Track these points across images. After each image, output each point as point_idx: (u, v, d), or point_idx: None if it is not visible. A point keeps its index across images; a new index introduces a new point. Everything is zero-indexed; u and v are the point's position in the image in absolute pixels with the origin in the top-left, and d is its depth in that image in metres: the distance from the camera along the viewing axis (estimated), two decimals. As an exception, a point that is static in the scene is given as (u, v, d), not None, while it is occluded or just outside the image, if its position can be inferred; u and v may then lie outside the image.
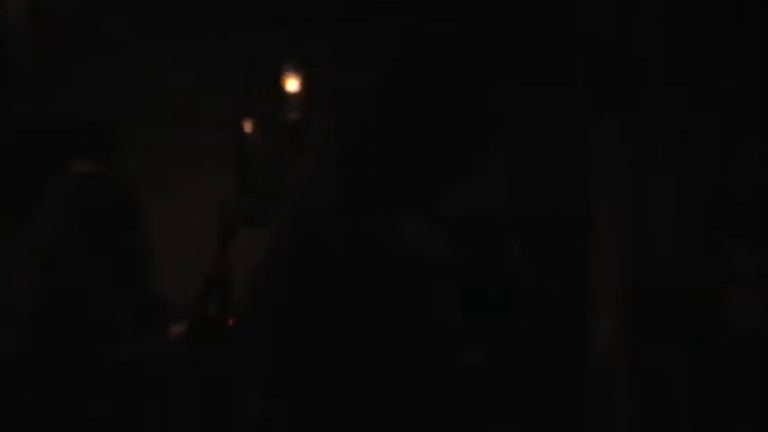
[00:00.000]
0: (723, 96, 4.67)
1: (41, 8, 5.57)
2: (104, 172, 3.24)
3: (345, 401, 2.70)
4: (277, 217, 3.10)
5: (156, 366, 3.16)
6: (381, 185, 2.82)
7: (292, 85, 5.89)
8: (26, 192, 3.25)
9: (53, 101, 5.48)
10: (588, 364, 4.10)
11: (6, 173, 5.00)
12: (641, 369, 4.27)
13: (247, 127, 5.69)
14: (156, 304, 3.38)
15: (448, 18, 3.49)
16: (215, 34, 5.87)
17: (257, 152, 5.44)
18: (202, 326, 3.53)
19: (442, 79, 3.06)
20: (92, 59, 5.73)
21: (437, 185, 2.96)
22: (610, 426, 4.17)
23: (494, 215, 3.83)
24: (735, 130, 4.69)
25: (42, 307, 3.06)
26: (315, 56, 5.71)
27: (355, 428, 2.71)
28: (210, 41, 5.86)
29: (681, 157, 4.75)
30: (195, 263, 3.87)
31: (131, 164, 4.17)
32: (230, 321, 3.59)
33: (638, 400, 4.21)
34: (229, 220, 3.86)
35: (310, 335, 2.69)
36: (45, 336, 3.04)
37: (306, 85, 5.86)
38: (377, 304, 2.69)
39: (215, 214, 4.23)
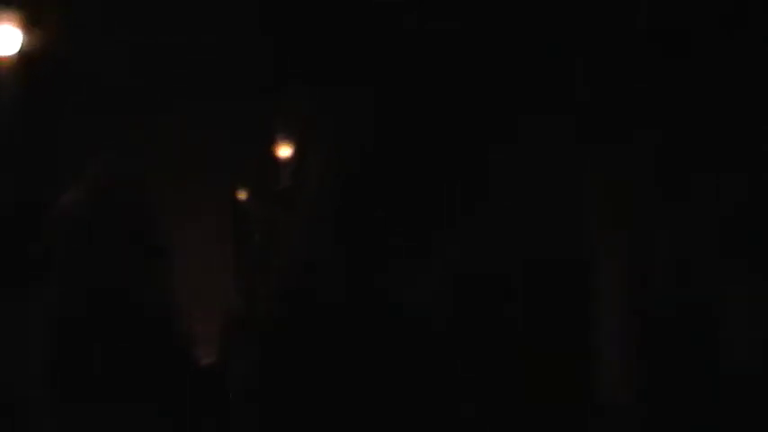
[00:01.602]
0: (721, 128, 4.72)
1: (30, 84, 5.62)
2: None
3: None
4: (274, 276, 3.11)
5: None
6: (377, 239, 2.83)
7: (285, 152, 5.92)
8: (23, 261, 3.25)
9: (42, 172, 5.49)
10: (595, 402, 4.10)
11: (6, 244, 5.00)
12: (646, 403, 4.28)
13: (242, 195, 5.72)
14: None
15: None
16: (208, 103, 5.91)
17: (254, 220, 5.45)
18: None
19: (433, 138, 3.09)
20: (88, 125, 5.77)
21: (433, 237, 2.97)
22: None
23: (494, 265, 3.84)
24: (733, 158, 4.73)
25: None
26: (308, 123, 5.73)
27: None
28: (205, 110, 5.91)
29: (677, 188, 4.78)
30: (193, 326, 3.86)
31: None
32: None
33: (641, 428, 4.22)
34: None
35: (308, 387, 2.70)
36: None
37: (299, 152, 5.88)
38: (374, 358, 2.69)
39: (212, 282, 4.22)
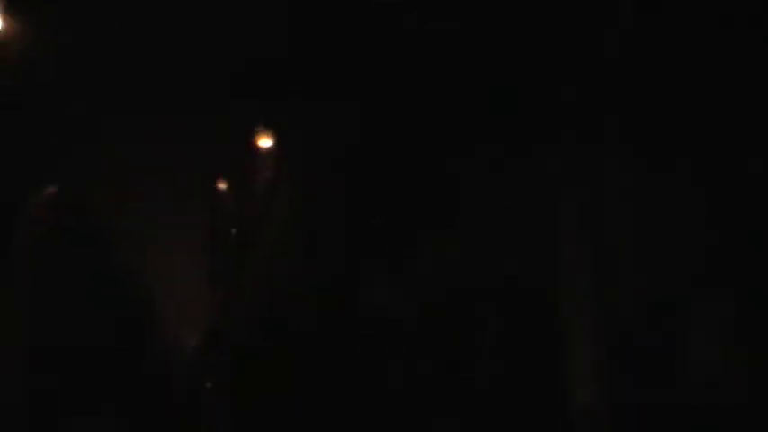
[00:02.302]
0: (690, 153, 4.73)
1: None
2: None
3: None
4: (248, 278, 3.10)
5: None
6: (353, 253, 2.83)
7: (265, 143, 5.88)
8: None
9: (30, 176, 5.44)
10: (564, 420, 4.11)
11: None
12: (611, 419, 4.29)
13: (221, 186, 5.68)
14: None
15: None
16: (190, 95, 5.88)
17: (231, 212, 5.42)
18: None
19: (409, 156, 3.07)
20: (63, 119, 5.74)
21: (408, 251, 2.97)
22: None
23: (469, 284, 3.84)
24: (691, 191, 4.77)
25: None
26: (288, 114, 5.71)
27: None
28: (185, 101, 5.88)
29: (643, 212, 4.80)
30: (170, 325, 3.84)
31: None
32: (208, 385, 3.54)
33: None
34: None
35: (275, 401, 2.69)
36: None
37: (279, 143, 5.85)
38: (343, 370, 2.69)
39: (188, 273, 4.19)
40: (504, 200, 4.41)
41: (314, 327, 2.75)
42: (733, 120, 4.70)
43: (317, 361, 2.73)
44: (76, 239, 3.18)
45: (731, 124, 4.69)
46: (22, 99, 5.66)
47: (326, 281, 2.80)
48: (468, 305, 3.74)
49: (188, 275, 4.50)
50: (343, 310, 2.74)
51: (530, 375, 4.04)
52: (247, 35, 5.58)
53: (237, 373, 2.87)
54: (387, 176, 3.02)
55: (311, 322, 2.76)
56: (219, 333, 3.13)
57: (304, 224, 2.96)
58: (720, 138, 4.68)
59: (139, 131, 5.89)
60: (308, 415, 2.74)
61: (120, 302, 3.24)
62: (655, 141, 4.68)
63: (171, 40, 5.69)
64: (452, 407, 3.05)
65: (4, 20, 5.52)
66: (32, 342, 3.02)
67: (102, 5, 5.56)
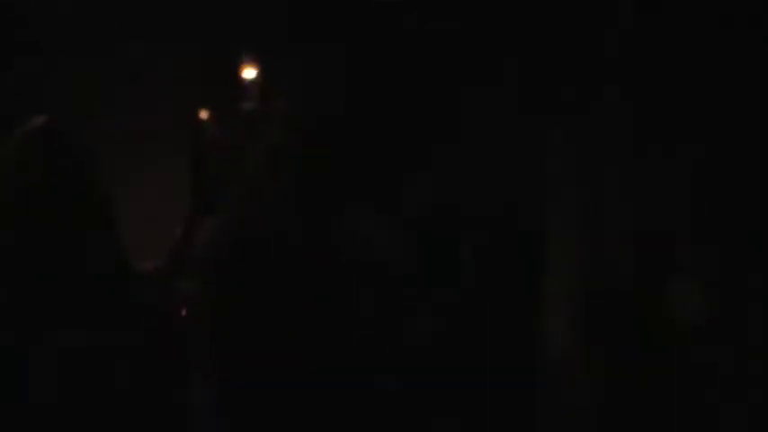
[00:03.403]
0: (664, 98, 4.73)
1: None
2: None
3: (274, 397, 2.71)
4: (229, 208, 3.09)
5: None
6: (339, 184, 2.82)
7: (250, 73, 5.85)
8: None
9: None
10: (541, 367, 4.14)
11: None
12: (595, 369, 4.31)
13: (203, 116, 5.64)
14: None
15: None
16: (172, 22, 5.85)
17: (214, 142, 5.40)
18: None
19: (405, 78, 3.06)
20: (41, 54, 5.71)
21: (394, 185, 2.96)
22: (562, 425, 4.20)
23: (452, 221, 3.85)
24: (674, 130, 4.76)
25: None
26: (274, 44, 5.69)
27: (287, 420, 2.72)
28: (167, 29, 5.84)
29: (625, 156, 4.81)
30: (150, 257, 3.83)
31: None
32: (183, 311, 3.55)
33: (590, 399, 4.26)
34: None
35: (247, 330, 2.70)
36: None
37: (264, 73, 5.83)
38: (317, 302, 2.69)
39: (170, 201, 4.17)
40: (491, 140, 4.43)
41: (297, 261, 2.74)
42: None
43: (299, 299, 2.73)
44: (68, 169, 3.17)
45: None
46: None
47: (310, 217, 2.79)
48: (453, 247, 3.76)
49: (171, 205, 4.47)
50: (326, 248, 2.73)
51: (508, 321, 4.07)
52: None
53: (216, 304, 2.87)
54: (373, 113, 3.00)
55: (294, 255, 2.75)
56: (200, 262, 3.12)
57: (287, 157, 2.94)
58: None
59: (124, 63, 5.87)
60: (289, 349, 2.75)
61: (103, 229, 3.23)
62: (648, 93, 4.69)
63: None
64: (434, 344, 3.06)
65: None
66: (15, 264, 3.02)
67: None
